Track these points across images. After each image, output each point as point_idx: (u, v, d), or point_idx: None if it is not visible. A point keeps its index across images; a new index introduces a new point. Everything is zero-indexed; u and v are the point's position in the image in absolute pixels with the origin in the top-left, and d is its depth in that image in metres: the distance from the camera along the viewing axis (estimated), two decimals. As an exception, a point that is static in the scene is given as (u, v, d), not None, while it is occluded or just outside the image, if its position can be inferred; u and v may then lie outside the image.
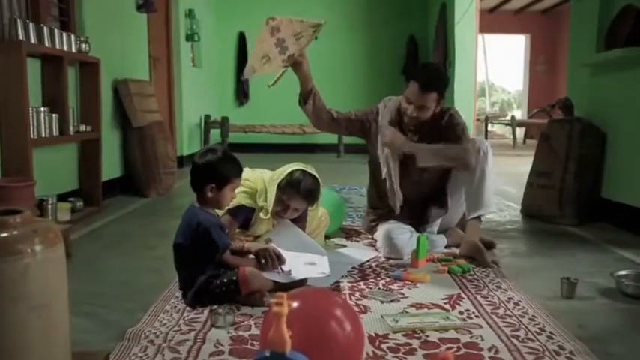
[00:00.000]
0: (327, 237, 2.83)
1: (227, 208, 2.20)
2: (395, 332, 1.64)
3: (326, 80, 8.20)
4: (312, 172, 2.23)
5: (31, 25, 2.84)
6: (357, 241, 2.81)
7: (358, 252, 2.57)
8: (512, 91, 18.46)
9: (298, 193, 2.15)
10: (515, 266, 2.43)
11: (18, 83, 2.65)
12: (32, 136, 2.79)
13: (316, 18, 2.43)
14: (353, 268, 2.32)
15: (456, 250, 2.61)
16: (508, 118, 10.72)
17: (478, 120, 11.79)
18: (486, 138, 10.61)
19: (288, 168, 2.23)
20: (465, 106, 6.65)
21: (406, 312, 1.83)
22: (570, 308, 1.93)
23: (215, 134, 7.11)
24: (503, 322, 1.75)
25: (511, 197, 4.24)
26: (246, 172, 2.38)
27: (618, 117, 3.25)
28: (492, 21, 11.17)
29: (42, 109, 2.90)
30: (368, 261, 2.44)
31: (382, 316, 1.75)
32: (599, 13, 3.40)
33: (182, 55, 6.21)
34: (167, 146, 4.43)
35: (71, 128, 3.19)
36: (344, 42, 8.25)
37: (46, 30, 2.96)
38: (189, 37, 6.35)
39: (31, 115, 2.78)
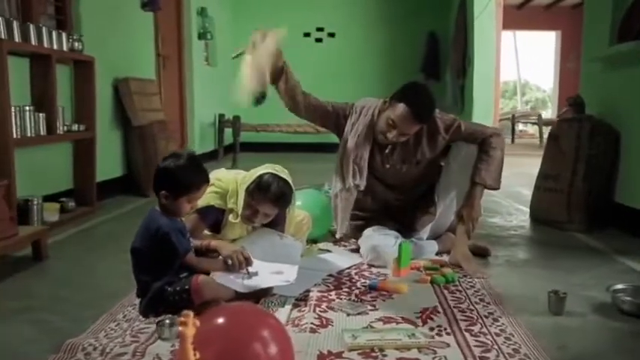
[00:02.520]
0: (314, 241, 2.71)
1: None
2: (350, 350, 1.51)
3: (342, 78, 8.12)
4: (284, 175, 2.10)
5: (15, 23, 2.80)
6: (345, 246, 2.67)
7: (341, 258, 2.43)
8: (547, 90, 17.89)
9: (267, 197, 2.03)
10: (507, 276, 2.26)
11: (-2, 82, 2.61)
12: (15, 136, 2.75)
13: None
14: (330, 275, 2.18)
15: (447, 258, 2.45)
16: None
17: (504, 119, 11.45)
18: (513, 138, 10.29)
19: (258, 170, 2.11)
20: (485, 105, 6.42)
21: (371, 327, 1.69)
22: (556, 326, 1.75)
23: (228, 133, 7.05)
24: (476, 341, 1.60)
25: (524, 200, 4.03)
26: (220, 172, 2.28)
27: (632, 115, 3.01)
28: (522, 17, 10.81)
29: (27, 108, 2.86)
30: (349, 268, 2.30)
31: (342, 331, 1.61)
32: (613, 2, 3.16)
33: (194, 53, 6.17)
34: (169, 145, 4.37)
35: (60, 127, 3.14)
36: (361, 38, 8.10)
37: (32, 28, 2.92)
38: (202, 36, 6.31)
39: (13, 114, 2.73)
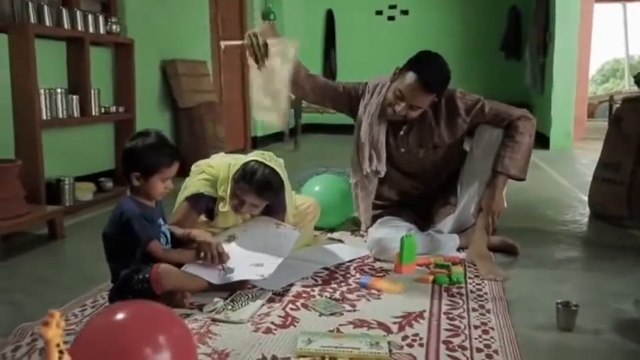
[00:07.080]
0: (331, 230, 2.56)
1: (185, 195, 2.04)
2: (298, 357, 1.36)
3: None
4: (272, 163, 1.96)
5: (46, 8, 2.86)
6: (362, 237, 2.48)
7: (347, 250, 2.25)
8: (669, 68, 16.07)
9: (251, 186, 1.90)
10: (528, 280, 1.97)
11: (25, 65, 2.68)
12: (45, 117, 2.83)
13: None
14: (324, 269, 2.02)
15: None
16: None
17: (603, 102, 10.43)
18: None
19: (247, 157, 1.99)
20: (566, 86, 5.79)
21: (338, 330, 1.52)
22: (559, 344, 1.48)
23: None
24: (450, 356, 1.38)
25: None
26: (215, 158, 2.20)
27: None
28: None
29: (58, 90, 2.93)
30: (351, 261, 2.13)
31: (299, 334, 1.46)
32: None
33: (257, 34, 6.12)
34: (216, 127, 4.38)
35: (95, 109, 3.20)
36: (436, 15, 7.64)
37: (65, 12, 2.98)
38: (265, 16, 6.26)
39: (43, 96, 2.81)
